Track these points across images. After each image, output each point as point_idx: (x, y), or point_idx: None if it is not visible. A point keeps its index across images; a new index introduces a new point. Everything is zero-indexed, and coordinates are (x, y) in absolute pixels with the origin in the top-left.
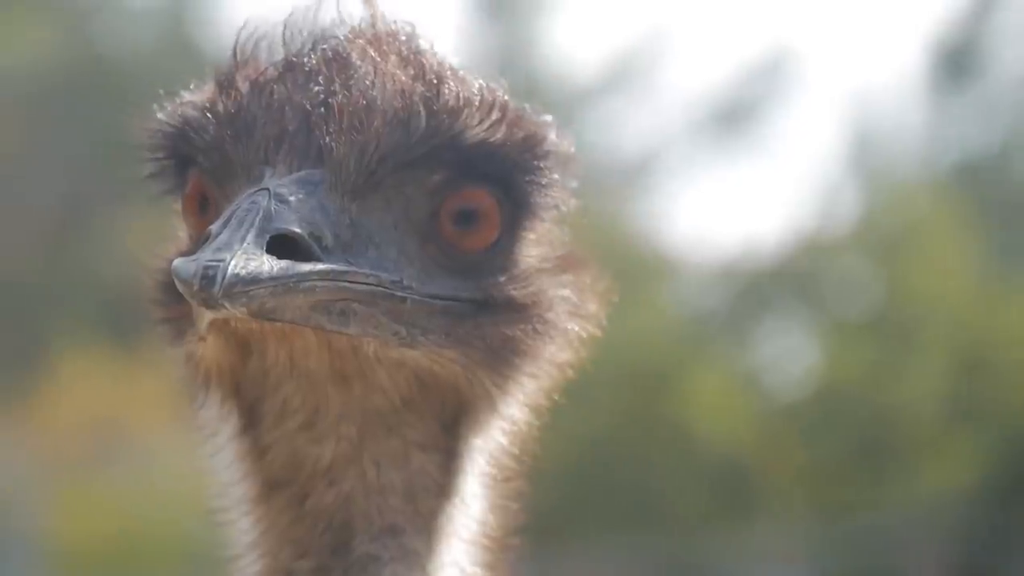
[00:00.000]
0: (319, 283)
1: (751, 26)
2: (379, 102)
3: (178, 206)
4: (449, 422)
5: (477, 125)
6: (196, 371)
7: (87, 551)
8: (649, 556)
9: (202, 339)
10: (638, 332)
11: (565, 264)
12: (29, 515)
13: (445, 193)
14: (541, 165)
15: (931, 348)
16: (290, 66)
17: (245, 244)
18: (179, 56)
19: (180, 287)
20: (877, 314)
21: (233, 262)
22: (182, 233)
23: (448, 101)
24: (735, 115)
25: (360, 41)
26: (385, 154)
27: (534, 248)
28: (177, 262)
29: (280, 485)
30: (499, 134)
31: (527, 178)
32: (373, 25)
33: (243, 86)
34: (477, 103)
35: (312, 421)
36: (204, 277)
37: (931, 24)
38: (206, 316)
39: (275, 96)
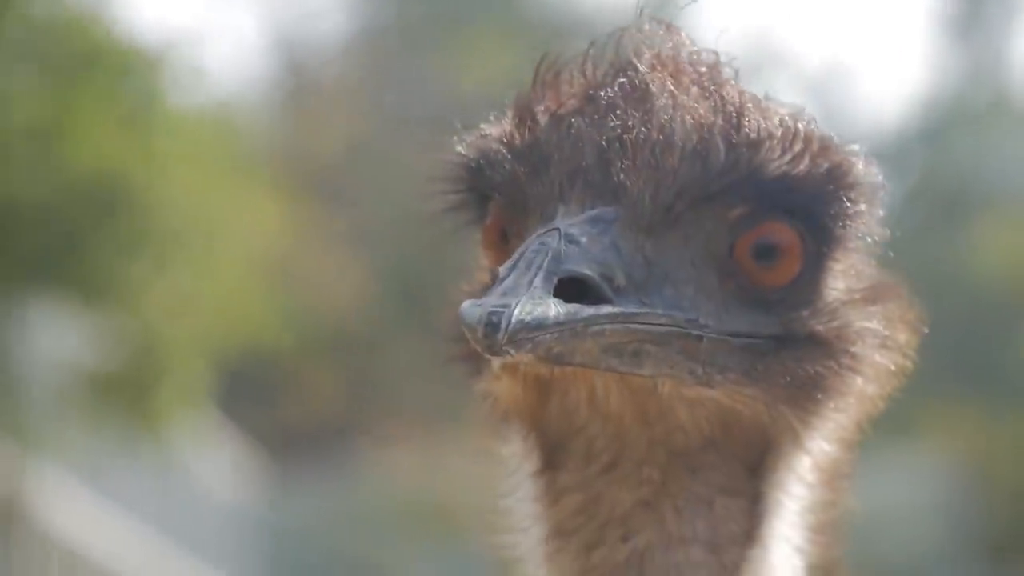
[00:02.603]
0: (608, 326)
1: None
2: (676, 137)
3: (479, 238)
4: (753, 463)
5: (778, 158)
6: (494, 408)
7: None
8: None
9: (497, 378)
10: None
11: (873, 295)
12: (493, 530)
13: (745, 228)
14: (846, 197)
15: None
16: (589, 99)
17: (532, 288)
18: None
19: (466, 332)
20: None
21: (518, 308)
22: (485, 264)
23: (748, 134)
24: None
25: (660, 72)
26: (682, 190)
27: (840, 280)
28: (464, 305)
29: (570, 532)
30: (801, 166)
31: (831, 210)
32: (674, 54)
33: (542, 119)
34: (779, 135)
35: (614, 463)
36: (488, 324)
37: None
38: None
39: (571, 130)
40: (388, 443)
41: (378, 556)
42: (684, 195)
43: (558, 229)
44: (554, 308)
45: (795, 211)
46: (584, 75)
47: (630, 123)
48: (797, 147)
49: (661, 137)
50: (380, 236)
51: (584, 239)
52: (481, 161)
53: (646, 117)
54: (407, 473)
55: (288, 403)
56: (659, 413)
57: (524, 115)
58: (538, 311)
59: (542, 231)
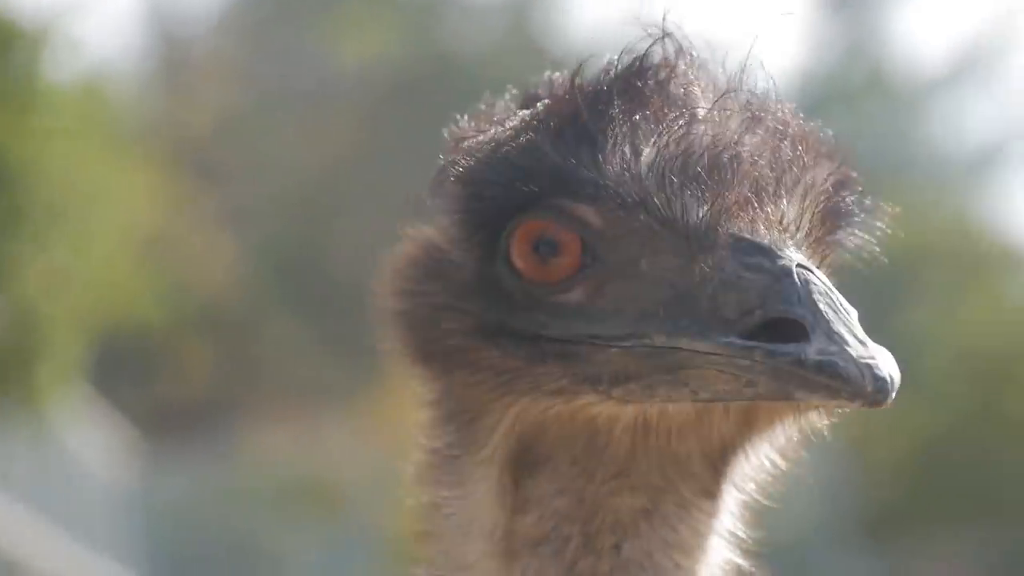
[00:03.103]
0: None
1: None
2: (802, 163)
3: (452, 222)
4: (720, 463)
5: (848, 179)
6: (469, 407)
7: None
8: (992, 548)
9: (601, 400)
10: (981, 324)
11: None
12: (373, 509)
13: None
14: (862, 208)
15: None
16: (702, 118)
17: (862, 338)
18: (523, 53)
19: (827, 380)
20: None
21: (883, 363)
22: (426, 236)
23: (832, 157)
24: None
25: (692, 80)
26: (814, 210)
27: None
28: (817, 354)
29: (545, 540)
30: (850, 177)
31: (856, 220)
32: (686, 53)
33: (635, 137)
34: (841, 156)
35: (624, 471)
36: (876, 378)
37: None
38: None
39: (721, 150)
40: (263, 421)
41: (254, 534)
42: (814, 220)
43: (809, 269)
44: (889, 358)
45: (842, 223)
46: (674, 89)
47: (765, 149)
48: (852, 166)
49: (791, 163)
50: (255, 212)
51: (813, 275)
52: (553, 169)
53: (768, 143)
54: (282, 451)
55: (163, 380)
56: (706, 427)
57: (625, 126)
58: (890, 365)
59: (788, 265)
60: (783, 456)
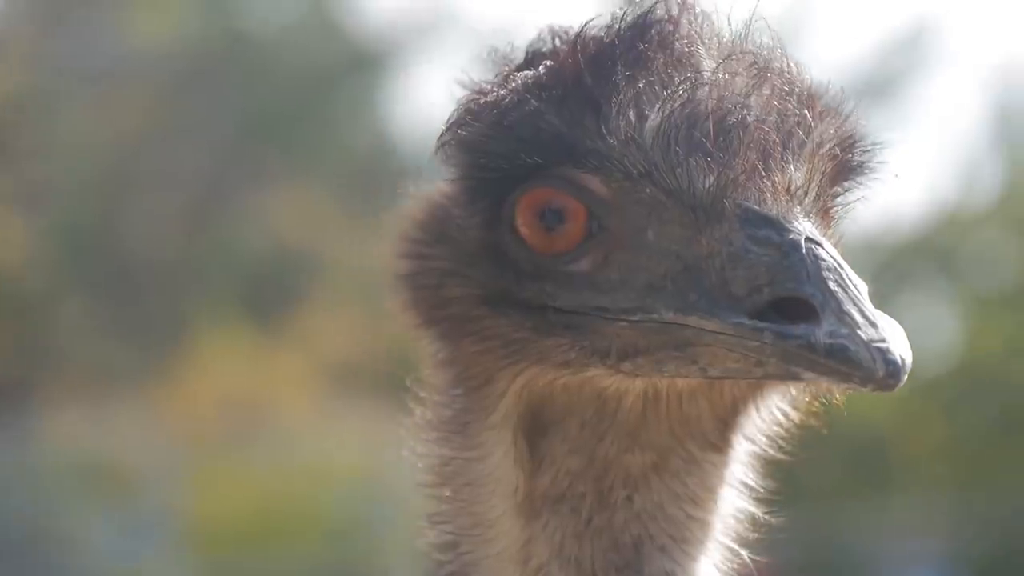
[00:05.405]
0: None
1: None
2: (792, 118)
3: (455, 189)
4: (730, 419)
5: (846, 125)
6: (477, 373)
7: (224, 529)
8: (785, 530)
9: (612, 374)
10: None
11: None
12: (167, 493)
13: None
14: (872, 164)
15: None
16: (709, 84)
17: (873, 318)
18: (321, 33)
19: (838, 368)
20: (1018, 287)
21: (897, 346)
22: (432, 197)
23: (838, 110)
24: (876, 88)
25: (697, 38)
26: (823, 172)
27: None
28: (822, 337)
29: (563, 497)
30: (858, 132)
31: (867, 177)
32: (690, 8)
33: (637, 101)
34: (840, 103)
35: (638, 430)
36: (888, 363)
37: None
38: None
39: (731, 116)
40: (56, 403)
41: (46, 517)
42: (823, 182)
43: (818, 243)
44: (901, 338)
45: (854, 189)
46: (674, 53)
47: (748, 106)
48: (849, 111)
49: (797, 124)
50: (48, 192)
51: (822, 250)
52: (574, 143)
53: (774, 104)
54: (75, 434)
55: None
56: (717, 391)
57: (631, 91)
58: (903, 344)
59: (799, 241)
60: (795, 409)
